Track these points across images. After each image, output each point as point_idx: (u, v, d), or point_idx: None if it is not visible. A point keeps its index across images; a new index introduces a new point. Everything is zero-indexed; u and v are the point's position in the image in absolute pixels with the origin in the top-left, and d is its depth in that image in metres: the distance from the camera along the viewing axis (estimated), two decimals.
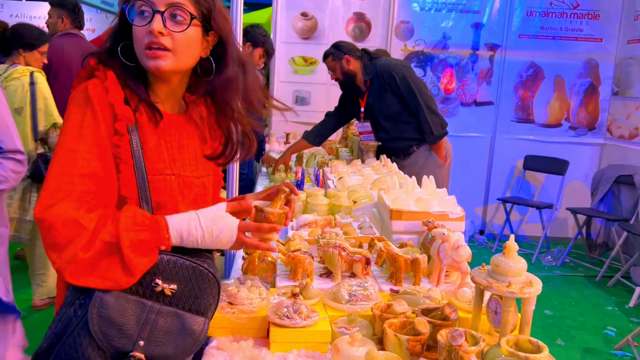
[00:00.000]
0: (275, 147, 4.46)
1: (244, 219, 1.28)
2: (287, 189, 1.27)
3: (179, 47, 1.14)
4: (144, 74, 1.20)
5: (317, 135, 3.75)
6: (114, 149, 1.11)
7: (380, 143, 3.55)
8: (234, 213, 1.27)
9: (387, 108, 3.42)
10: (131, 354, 1.04)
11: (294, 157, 3.82)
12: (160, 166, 1.18)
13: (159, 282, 1.07)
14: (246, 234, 1.21)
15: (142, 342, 1.05)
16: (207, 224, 1.14)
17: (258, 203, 1.27)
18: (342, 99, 3.74)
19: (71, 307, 1.06)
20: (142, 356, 1.05)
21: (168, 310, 1.07)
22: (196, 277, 1.10)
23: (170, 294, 1.07)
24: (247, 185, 3.75)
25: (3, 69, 3.12)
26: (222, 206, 1.21)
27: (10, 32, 3.21)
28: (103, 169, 1.08)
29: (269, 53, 3.67)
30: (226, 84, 1.24)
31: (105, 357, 1.05)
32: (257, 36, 3.57)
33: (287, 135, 4.83)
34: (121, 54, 1.16)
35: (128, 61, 1.17)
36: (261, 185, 3.35)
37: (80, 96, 1.11)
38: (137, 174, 1.13)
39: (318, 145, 3.95)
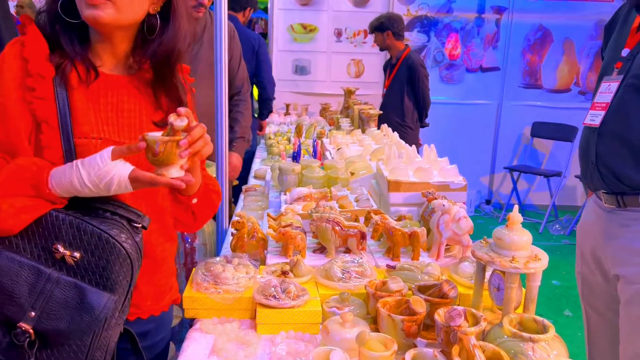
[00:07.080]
0: (275, 119, 4.33)
1: None
2: (175, 114, 0.99)
3: None
4: (87, 33, 1.11)
5: None
6: (29, 106, 1.03)
7: (381, 112, 3.42)
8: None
9: None
10: (18, 324, 0.95)
11: (292, 127, 3.69)
12: (85, 128, 1.06)
13: (60, 247, 0.96)
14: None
15: (32, 313, 0.94)
16: (93, 181, 0.97)
17: (147, 134, 0.98)
18: None
19: None
20: (30, 329, 0.95)
21: (67, 281, 0.96)
22: (102, 246, 0.97)
23: (72, 262, 0.96)
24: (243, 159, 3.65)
25: None
26: (107, 153, 0.99)
27: None
28: (6, 133, 1.02)
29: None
30: (168, 47, 1.13)
31: None
32: None
33: (287, 106, 4.69)
34: (66, 11, 1.06)
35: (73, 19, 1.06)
36: (259, 157, 3.25)
37: None
38: (62, 135, 1.03)
39: None
